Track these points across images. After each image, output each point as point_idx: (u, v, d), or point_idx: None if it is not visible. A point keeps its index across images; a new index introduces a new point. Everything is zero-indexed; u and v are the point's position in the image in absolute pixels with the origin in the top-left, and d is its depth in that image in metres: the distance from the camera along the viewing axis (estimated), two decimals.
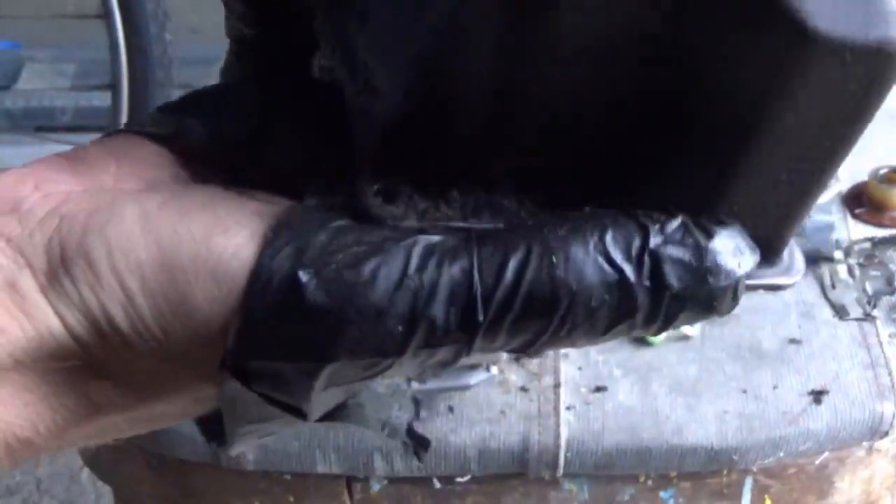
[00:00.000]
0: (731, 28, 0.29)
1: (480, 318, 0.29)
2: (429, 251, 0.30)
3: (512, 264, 0.30)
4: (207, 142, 0.35)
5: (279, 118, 0.36)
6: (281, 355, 0.30)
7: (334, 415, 0.34)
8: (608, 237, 0.30)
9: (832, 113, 0.30)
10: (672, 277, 0.30)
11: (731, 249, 0.31)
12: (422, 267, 0.30)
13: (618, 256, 0.30)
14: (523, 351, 0.31)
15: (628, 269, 0.30)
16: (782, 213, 0.33)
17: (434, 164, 0.32)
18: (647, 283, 0.30)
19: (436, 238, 0.30)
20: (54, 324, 0.31)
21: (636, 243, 0.30)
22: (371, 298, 0.29)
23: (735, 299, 0.31)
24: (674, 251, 0.30)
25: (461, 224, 0.32)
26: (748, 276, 0.31)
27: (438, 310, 0.29)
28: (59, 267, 0.31)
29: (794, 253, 0.34)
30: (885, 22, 0.29)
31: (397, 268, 0.29)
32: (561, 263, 0.30)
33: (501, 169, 0.32)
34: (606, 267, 0.30)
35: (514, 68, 0.30)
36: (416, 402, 0.40)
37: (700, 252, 0.30)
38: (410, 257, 0.30)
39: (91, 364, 0.31)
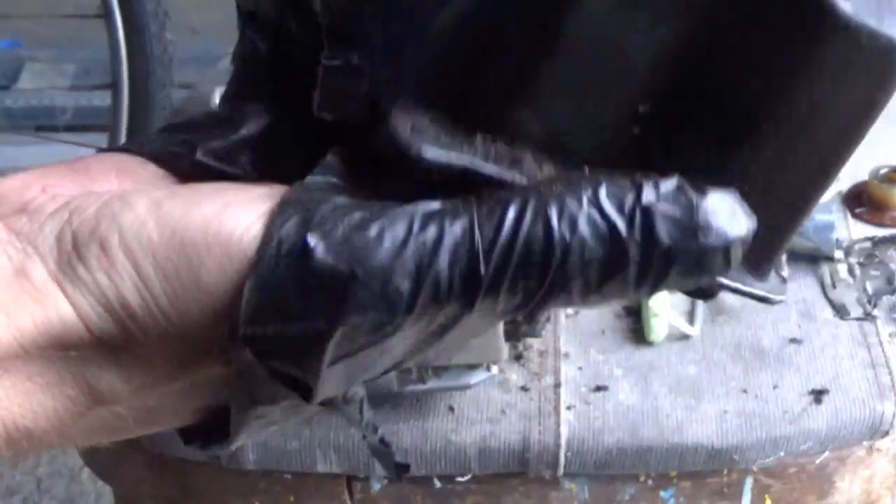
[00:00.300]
0: (755, 5, 0.30)
1: (482, 271, 0.30)
2: (430, 213, 0.31)
3: (509, 218, 0.30)
4: (205, 162, 0.36)
5: (279, 131, 0.37)
6: (292, 318, 0.30)
7: (330, 403, 0.34)
8: (602, 192, 0.31)
9: (843, 102, 0.31)
10: (662, 232, 0.31)
11: (724, 210, 0.31)
12: (425, 226, 0.30)
13: (611, 210, 0.31)
14: (522, 311, 0.32)
15: (620, 223, 0.31)
16: (780, 217, 0.33)
17: (460, 108, 0.33)
18: (637, 237, 0.31)
19: (435, 205, 0.31)
20: (65, 311, 0.31)
21: (629, 199, 0.31)
22: (378, 258, 0.30)
23: (727, 262, 0.31)
24: (666, 208, 0.31)
25: (485, 165, 0.32)
26: (743, 241, 0.31)
27: (443, 266, 0.30)
28: (72, 253, 0.31)
29: (781, 274, 0.34)
30: None
31: (402, 228, 0.30)
32: (554, 215, 0.30)
33: (526, 126, 0.32)
34: (599, 219, 0.31)
35: (550, 32, 0.31)
36: (375, 429, 0.40)
37: (692, 209, 0.31)
38: (414, 218, 0.31)
39: (97, 351, 0.32)
